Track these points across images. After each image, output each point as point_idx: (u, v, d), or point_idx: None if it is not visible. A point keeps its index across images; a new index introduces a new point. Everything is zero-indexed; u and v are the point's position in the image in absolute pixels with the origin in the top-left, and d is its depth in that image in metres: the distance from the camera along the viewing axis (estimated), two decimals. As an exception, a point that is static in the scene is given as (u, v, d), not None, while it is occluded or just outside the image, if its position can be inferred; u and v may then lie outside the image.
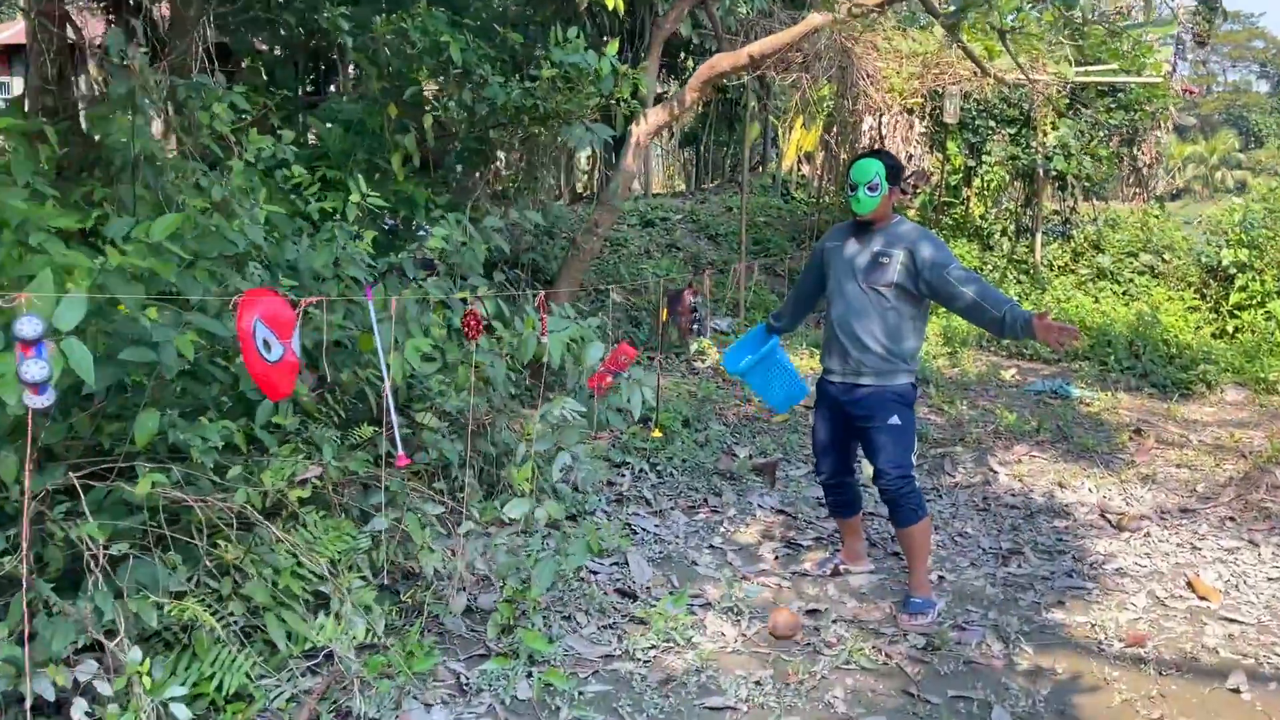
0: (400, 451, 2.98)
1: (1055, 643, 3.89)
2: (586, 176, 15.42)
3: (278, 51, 7.70)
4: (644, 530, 4.92)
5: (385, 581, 3.55)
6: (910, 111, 11.86)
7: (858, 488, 4.45)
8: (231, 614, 2.83)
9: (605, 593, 4.08)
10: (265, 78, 7.75)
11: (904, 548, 4.17)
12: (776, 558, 4.72)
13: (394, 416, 2.95)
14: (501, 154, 6.51)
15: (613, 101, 5.94)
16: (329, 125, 6.65)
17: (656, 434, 4.35)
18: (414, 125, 6.01)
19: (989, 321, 3.75)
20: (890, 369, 3.98)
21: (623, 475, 5.70)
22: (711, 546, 4.80)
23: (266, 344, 2.34)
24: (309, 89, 8.27)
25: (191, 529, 2.91)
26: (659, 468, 5.82)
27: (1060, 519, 5.37)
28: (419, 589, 3.50)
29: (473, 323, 3.22)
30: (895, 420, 3.99)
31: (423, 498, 3.46)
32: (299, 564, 2.93)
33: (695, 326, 4.67)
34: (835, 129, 12.88)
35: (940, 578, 4.51)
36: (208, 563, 2.91)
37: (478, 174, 6.37)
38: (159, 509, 2.79)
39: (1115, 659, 3.77)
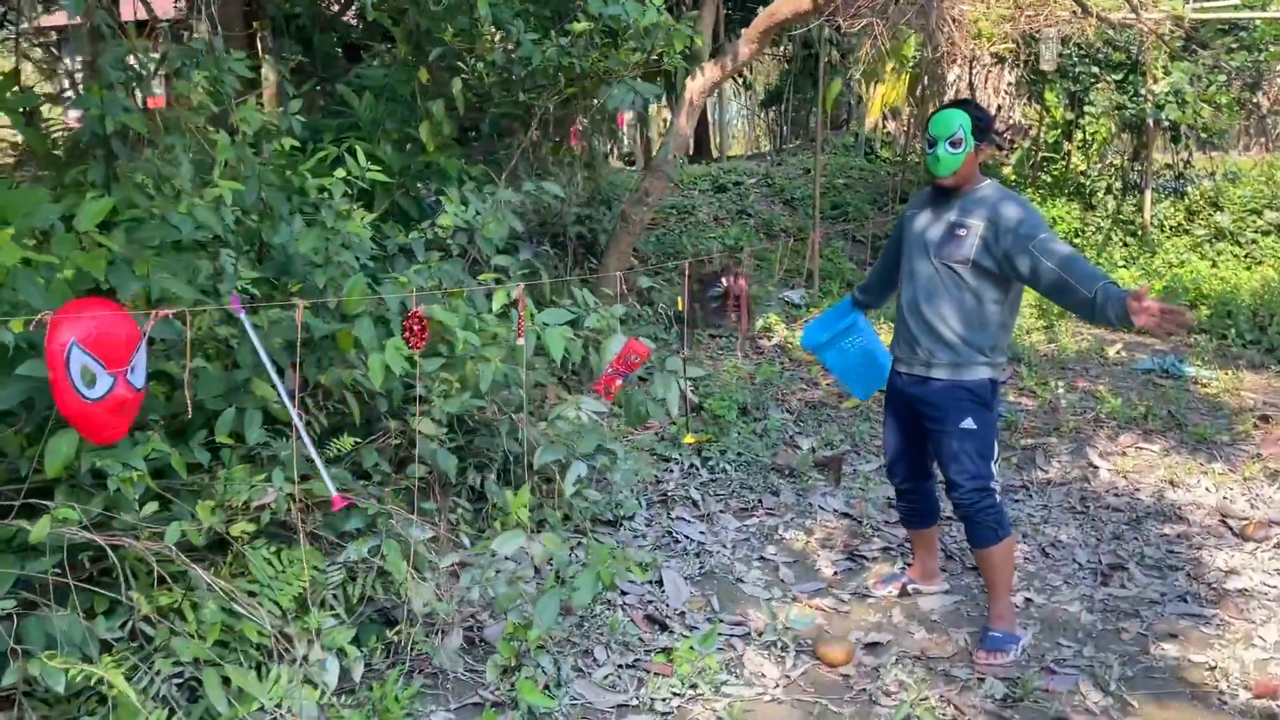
0: (335, 492, 2.50)
1: (1165, 691, 3.24)
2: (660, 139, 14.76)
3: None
4: (687, 538, 4.40)
5: (372, 616, 3.11)
6: (1001, 60, 10.90)
7: (935, 496, 3.83)
8: (158, 672, 2.40)
9: (632, 620, 3.57)
10: (300, 45, 7.36)
11: (982, 571, 3.55)
12: (836, 572, 4.14)
13: (313, 451, 2.47)
14: (546, 119, 5.96)
15: (656, 57, 5.34)
16: (361, 93, 6.22)
17: (689, 440, 3.80)
18: (446, 91, 5.52)
19: (1077, 303, 3.07)
20: (965, 361, 3.35)
21: (670, 471, 5.18)
22: (762, 558, 4.24)
23: (87, 374, 1.87)
24: (345, 55, 7.83)
25: (126, 569, 2.50)
26: (711, 462, 5.27)
27: (1172, 525, 4.65)
28: (408, 625, 3.04)
29: (416, 328, 2.70)
30: (969, 423, 3.36)
31: (404, 521, 2.98)
32: (231, 612, 2.48)
33: (735, 315, 4.08)
34: (922, 82, 11.97)
35: (1027, 600, 3.88)
36: (146, 608, 2.49)
37: (515, 142, 5.84)
38: (73, 549, 2.37)
39: (1241, 713, 3.11)
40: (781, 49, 16.45)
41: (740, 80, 18.61)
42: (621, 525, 4.48)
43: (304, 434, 2.61)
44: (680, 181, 12.37)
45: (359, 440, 3.08)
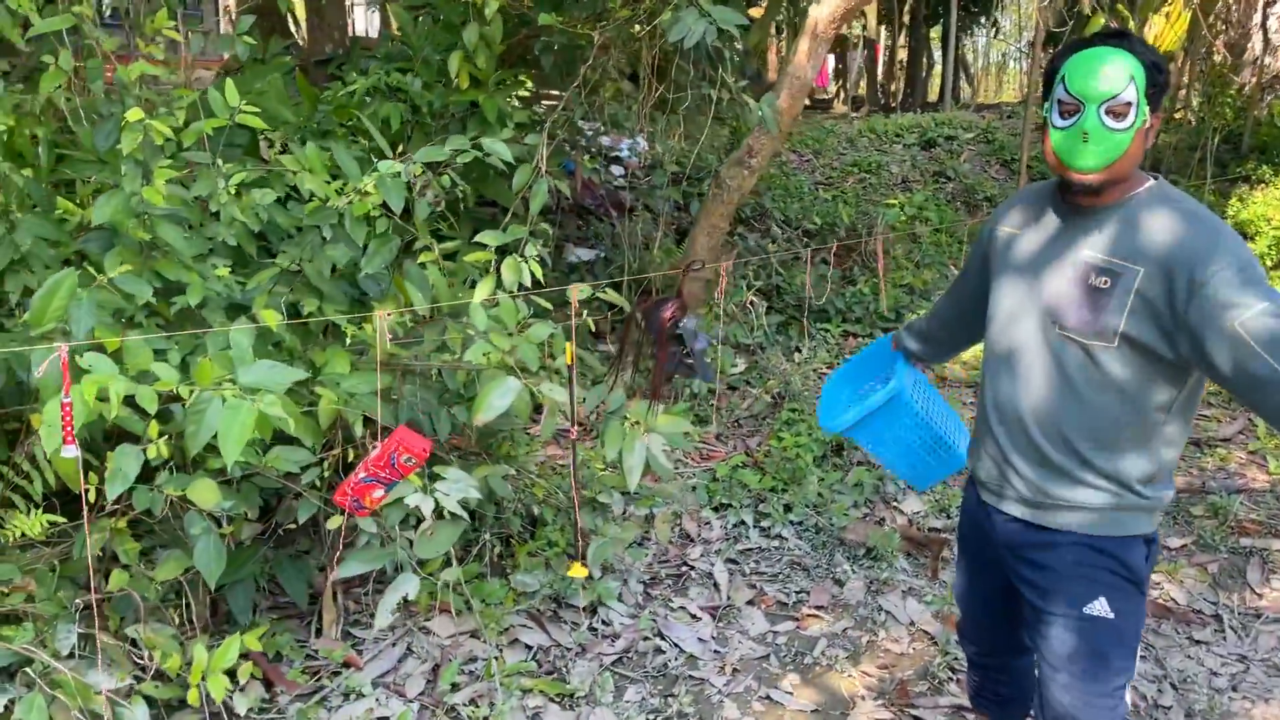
0: None
1: None
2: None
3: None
4: (676, 647, 3.15)
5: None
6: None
7: (1030, 675, 2.38)
8: None
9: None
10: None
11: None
12: (871, 742, 2.78)
13: None
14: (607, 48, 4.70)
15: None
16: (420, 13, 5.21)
17: (577, 572, 2.54)
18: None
19: None
20: (1103, 505, 1.90)
21: (709, 527, 3.91)
22: (769, 699, 2.93)
23: None
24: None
25: None
26: (768, 519, 3.94)
27: None
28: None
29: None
30: (1102, 608, 1.92)
31: (83, 660, 1.94)
32: None
33: (682, 363, 2.75)
34: (1209, 19, 9.52)
35: None
36: None
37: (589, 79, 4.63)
38: None
39: None
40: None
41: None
42: (596, 610, 3.30)
43: None
44: (882, 132, 10.65)
45: (58, 521, 2.05)
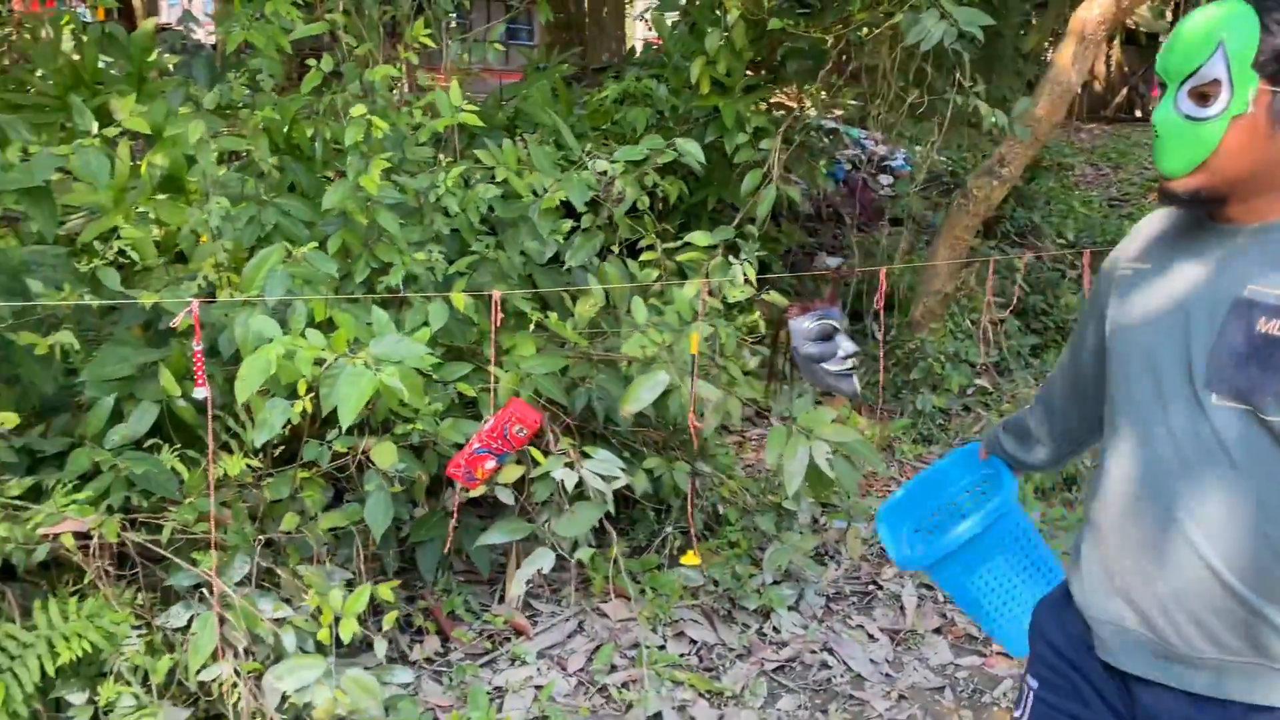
0: None
1: None
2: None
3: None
4: (844, 664, 3.05)
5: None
6: None
7: None
8: None
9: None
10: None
11: None
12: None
13: None
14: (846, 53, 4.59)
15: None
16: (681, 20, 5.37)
17: (690, 560, 2.45)
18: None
19: None
20: None
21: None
22: (930, 732, 2.78)
23: None
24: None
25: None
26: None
27: None
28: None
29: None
30: None
31: (258, 592, 2.21)
32: None
33: (795, 363, 2.56)
34: None
35: None
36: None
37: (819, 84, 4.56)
38: None
39: None
40: None
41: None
42: (769, 616, 3.27)
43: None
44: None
45: (252, 465, 2.35)
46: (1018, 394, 4.73)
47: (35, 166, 2.23)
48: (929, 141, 5.19)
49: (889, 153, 8.73)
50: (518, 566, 3.22)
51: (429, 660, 2.87)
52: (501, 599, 3.22)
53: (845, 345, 2.71)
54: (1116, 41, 13.62)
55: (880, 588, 3.51)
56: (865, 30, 4.05)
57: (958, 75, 3.79)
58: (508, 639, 3.05)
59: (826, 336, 2.68)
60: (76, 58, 3.87)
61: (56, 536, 2.09)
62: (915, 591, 3.46)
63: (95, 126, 2.50)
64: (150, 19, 4.21)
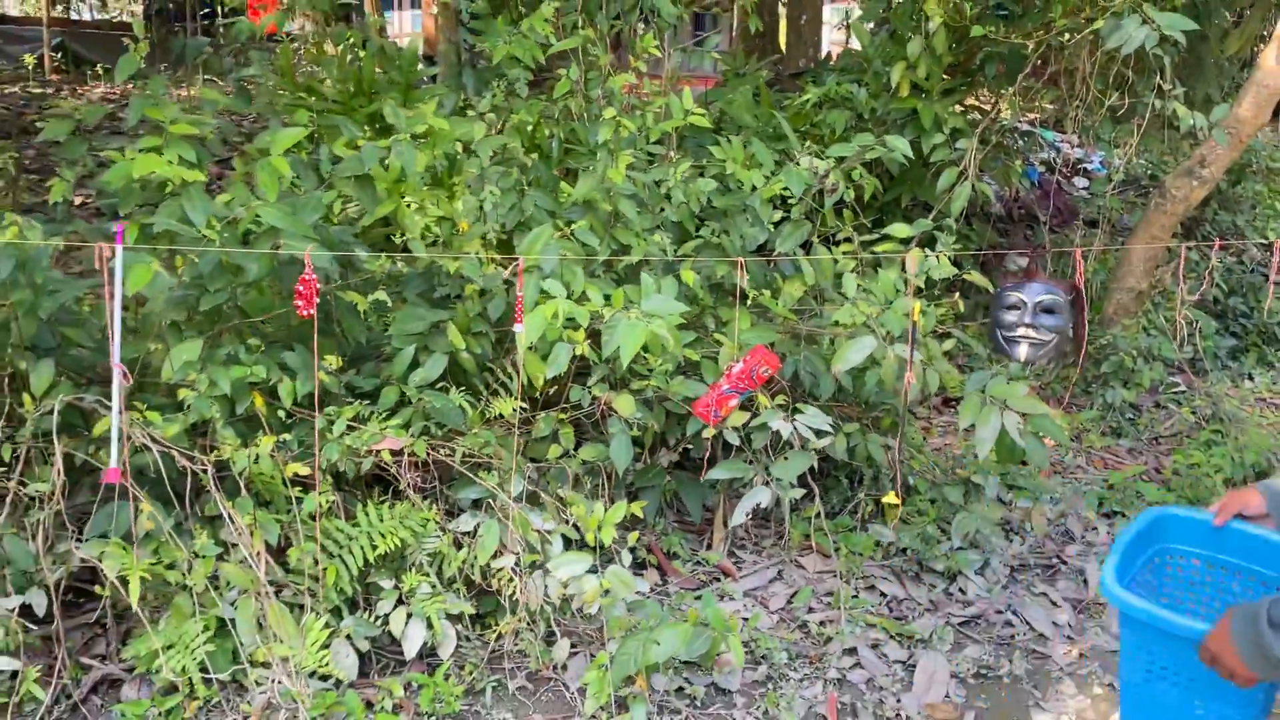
0: (113, 463, 2.22)
1: None
2: None
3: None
4: (1028, 624, 3.29)
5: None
6: None
7: None
8: (219, 589, 2.56)
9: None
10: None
11: None
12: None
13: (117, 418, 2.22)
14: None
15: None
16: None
17: (890, 499, 2.71)
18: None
19: None
20: None
21: (1095, 531, 3.91)
22: (1113, 685, 2.99)
23: None
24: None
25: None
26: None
27: None
28: (510, 615, 2.77)
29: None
30: None
31: (525, 506, 2.69)
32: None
33: (1018, 334, 2.74)
34: None
35: None
36: (243, 520, 2.63)
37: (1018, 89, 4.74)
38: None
39: None
40: None
41: None
42: (955, 579, 3.54)
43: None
44: None
45: (524, 407, 2.85)
46: (1212, 393, 4.76)
47: (365, 156, 2.79)
48: (1127, 144, 5.27)
49: (1084, 155, 8.67)
50: (724, 521, 3.63)
51: (652, 590, 3.31)
52: (708, 546, 3.62)
53: (1030, 317, 2.97)
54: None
55: (1064, 563, 3.71)
56: (1065, 35, 4.24)
57: (1158, 79, 3.93)
58: (716, 579, 3.45)
59: (1015, 307, 2.95)
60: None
61: (378, 452, 2.64)
62: (1099, 567, 3.64)
63: (404, 124, 3.05)
64: (416, 35, 4.86)
